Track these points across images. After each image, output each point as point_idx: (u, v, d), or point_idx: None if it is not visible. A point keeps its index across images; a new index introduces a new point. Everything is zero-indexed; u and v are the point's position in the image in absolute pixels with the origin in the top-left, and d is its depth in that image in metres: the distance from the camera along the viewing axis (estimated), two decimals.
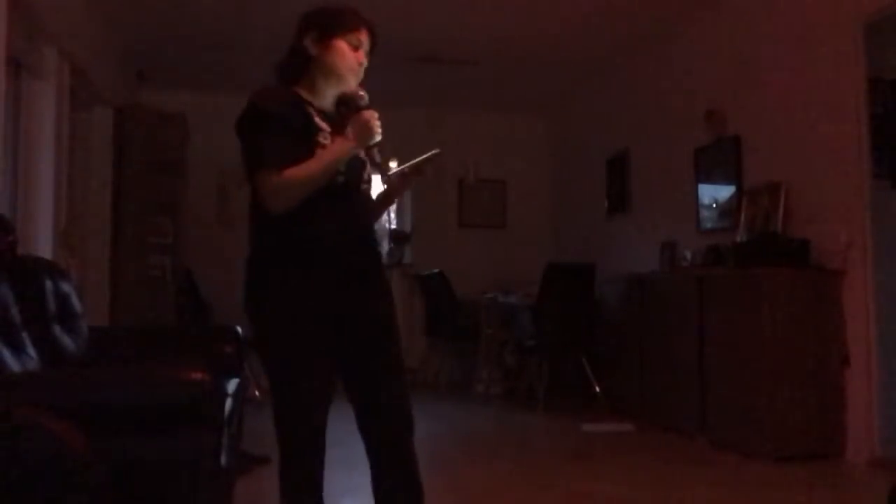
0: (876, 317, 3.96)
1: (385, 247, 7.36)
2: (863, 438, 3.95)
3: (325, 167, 1.92)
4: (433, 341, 7.27)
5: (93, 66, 4.90)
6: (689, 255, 5.24)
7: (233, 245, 7.12)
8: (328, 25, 2.05)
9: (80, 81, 4.62)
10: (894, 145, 4.08)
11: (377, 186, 2.18)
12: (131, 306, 5.32)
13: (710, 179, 5.29)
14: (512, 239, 7.89)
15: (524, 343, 6.30)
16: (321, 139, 1.95)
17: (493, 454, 4.47)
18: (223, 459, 2.23)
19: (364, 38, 2.07)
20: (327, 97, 2.07)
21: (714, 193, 5.25)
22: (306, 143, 1.93)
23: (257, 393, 6.09)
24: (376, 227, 2.23)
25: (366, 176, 2.09)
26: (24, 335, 2.47)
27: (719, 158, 5.16)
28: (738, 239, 4.69)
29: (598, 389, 5.86)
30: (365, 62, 2.08)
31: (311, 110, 2.01)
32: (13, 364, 2.27)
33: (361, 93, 2.02)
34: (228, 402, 2.55)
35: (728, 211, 5.04)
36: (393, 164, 2.06)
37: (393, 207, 6.49)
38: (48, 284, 2.83)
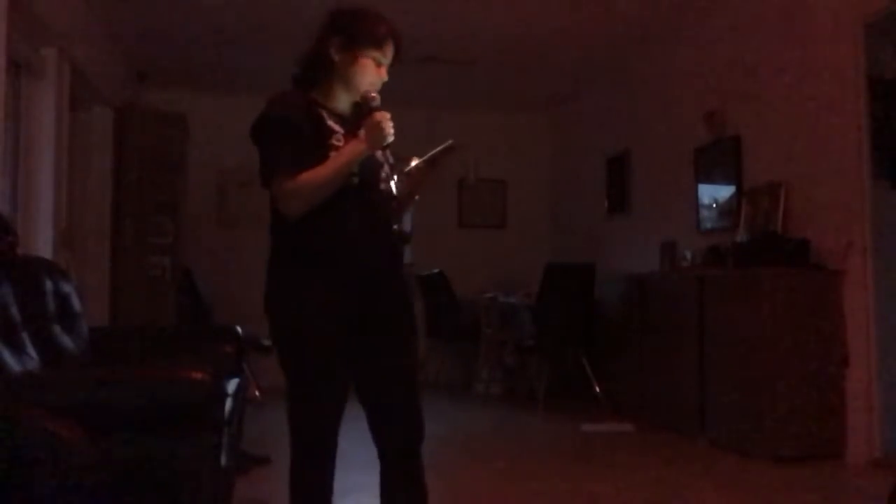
0: (876, 317, 3.96)
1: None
2: (863, 439, 3.95)
3: (338, 170, 1.93)
4: (433, 341, 7.27)
5: (93, 66, 4.90)
6: (689, 255, 5.24)
7: (233, 245, 7.17)
8: (355, 37, 2.05)
9: (80, 81, 4.62)
10: (894, 145, 4.09)
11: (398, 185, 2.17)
12: (131, 306, 5.32)
13: (710, 179, 5.29)
14: (512, 239, 7.89)
15: (524, 343, 6.30)
16: (334, 142, 1.97)
17: (493, 454, 4.47)
18: (223, 459, 2.23)
19: (389, 52, 2.08)
20: (343, 101, 2.09)
21: (714, 193, 5.25)
22: (320, 148, 1.95)
23: (257, 393, 6.10)
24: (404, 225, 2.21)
25: (383, 175, 2.08)
26: (24, 335, 2.47)
27: (719, 158, 5.16)
28: (738, 239, 4.69)
29: (598, 389, 5.86)
30: (385, 77, 2.09)
31: (325, 114, 2.02)
32: (13, 364, 2.27)
33: (373, 94, 2.03)
34: (228, 402, 2.55)
35: (728, 211, 5.04)
36: (414, 162, 2.06)
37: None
38: (48, 284, 2.83)
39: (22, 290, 2.54)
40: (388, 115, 1.98)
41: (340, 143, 1.97)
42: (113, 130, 5.31)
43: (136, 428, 1.96)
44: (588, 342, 6.04)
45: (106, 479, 1.60)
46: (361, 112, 2.03)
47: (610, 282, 5.95)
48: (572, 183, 7.68)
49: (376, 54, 2.05)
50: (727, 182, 5.06)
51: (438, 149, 2.01)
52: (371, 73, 2.06)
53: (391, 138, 1.97)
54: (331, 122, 2.01)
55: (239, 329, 3.45)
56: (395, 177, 2.12)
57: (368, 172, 2.02)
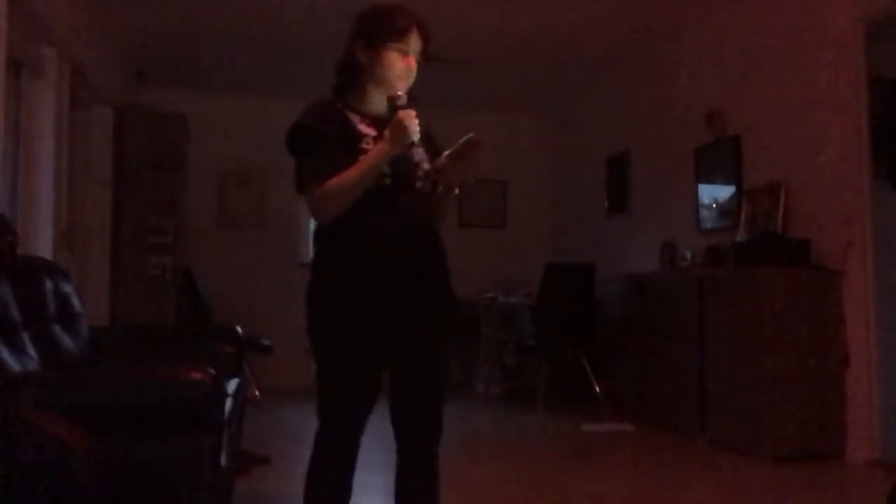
0: (876, 317, 3.96)
1: None
2: (863, 439, 3.95)
3: (364, 172, 1.95)
4: None
5: (93, 66, 4.90)
6: (689, 255, 5.24)
7: (233, 245, 7.18)
8: (375, 33, 2.07)
9: (80, 81, 4.62)
10: (894, 145, 4.09)
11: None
12: (131, 306, 5.32)
13: (710, 179, 5.29)
14: (512, 239, 7.89)
15: (524, 343, 6.30)
16: (364, 146, 1.99)
17: (493, 454, 4.47)
18: (223, 459, 2.23)
19: (413, 40, 2.08)
20: (378, 101, 2.10)
21: (714, 193, 5.25)
22: (350, 152, 1.97)
23: (257, 393, 6.10)
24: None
25: (420, 174, 2.08)
26: (24, 335, 2.47)
27: (719, 158, 5.16)
28: (738, 239, 4.69)
29: (598, 389, 5.86)
30: (414, 67, 2.09)
31: (357, 118, 2.05)
32: (13, 364, 2.27)
33: (399, 93, 2.04)
34: (228, 402, 2.54)
35: (728, 211, 5.04)
36: (442, 157, 2.06)
37: None
38: (48, 284, 2.83)
39: (22, 290, 2.54)
40: (412, 114, 1.98)
41: (370, 147, 1.99)
42: (113, 130, 5.31)
43: (136, 428, 1.96)
44: (588, 342, 6.04)
45: (106, 479, 1.60)
46: (391, 111, 2.04)
47: (610, 282, 5.95)
48: (572, 183, 7.68)
49: (399, 45, 2.06)
50: (727, 182, 5.06)
51: (459, 143, 2.00)
52: (397, 66, 2.06)
53: (415, 137, 1.97)
54: (361, 126, 2.03)
55: (239, 329, 3.45)
56: (421, 174, 2.10)
57: (402, 172, 2.02)
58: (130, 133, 5.46)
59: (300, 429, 5.41)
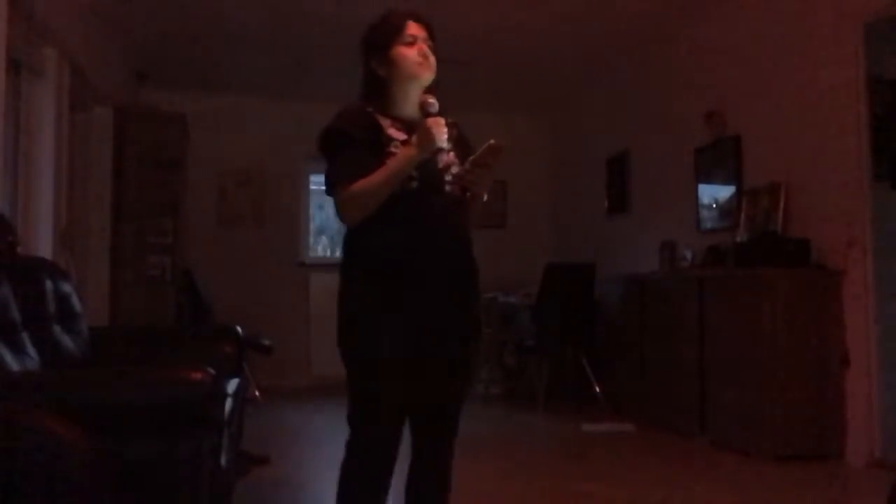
0: (876, 317, 3.96)
1: None
2: (863, 438, 3.95)
3: (390, 175, 1.96)
4: None
5: (93, 66, 4.89)
6: (689, 255, 5.24)
7: (233, 245, 7.18)
8: (380, 42, 2.10)
9: (80, 81, 4.62)
10: (894, 145, 4.08)
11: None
12: (131, 306, 5.32)
13: (710, 179, 5.29)
14: (512, 239, 7.88)
15: (524, 343, 6.30)
16: (392, 149, 2.01)
17: (493, 454, 4.47)
18: (223, 459, 2.23)
19: (415, 30, 2.10)
20: (412, 102, 2.11)
21: (714, 193, 5.25)
22: (378, 156, 1.99)
23: (257, 393, 6.10)
24: None
25: (448, 178, 2.09)
26: (24, 335, 2.47)
27: (719, 158, 5.16)
28: (738, 239, 4.69)
29: (598, 389, 5.86)
30: (427, 50, 2.10)
31: (387, 122, 2.06)
32: (13, 364, 2.27)
33: (431, 100, 2.06)
34: (228, 402, 2.55)
35: (728, 211, 5.04)
36: (465, 164, 2.07)
37: None
38: (48, 284, 2.83)
39: (22, 290, 2.54)
40: (441, 121, 2.00)
41: (398, 150, 2.01)
42: (113, 130, 5.31)
43: (135, 428, 1.96)
44: (588, 342, 6.04)
45: (106, 479, 1.60)
46: (422, 117, 2.06)
47: (610, 282, 5.95)
48: (572, 183, 7.68)
49: (403, 39, 2.08)
50: (727, 182, 5.06)
51: (481, 149, 2.01)
52: (410, 57, 2.08)
53: (442, 143, 2.00)
54: (391, 130, 2.05)
55: (239, 329, 3.45)
56: (447, 180, 2.11)
57: (429, 177, 2.03)
58: (130, 133, 5.46)
59: (300, 429, 5.41)
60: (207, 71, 6.62)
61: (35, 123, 4.09)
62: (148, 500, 1.96)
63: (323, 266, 7.15)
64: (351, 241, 2.08)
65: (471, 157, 2.04)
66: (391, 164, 1.97)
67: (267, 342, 5.76)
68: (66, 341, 2.82)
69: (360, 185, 1.95)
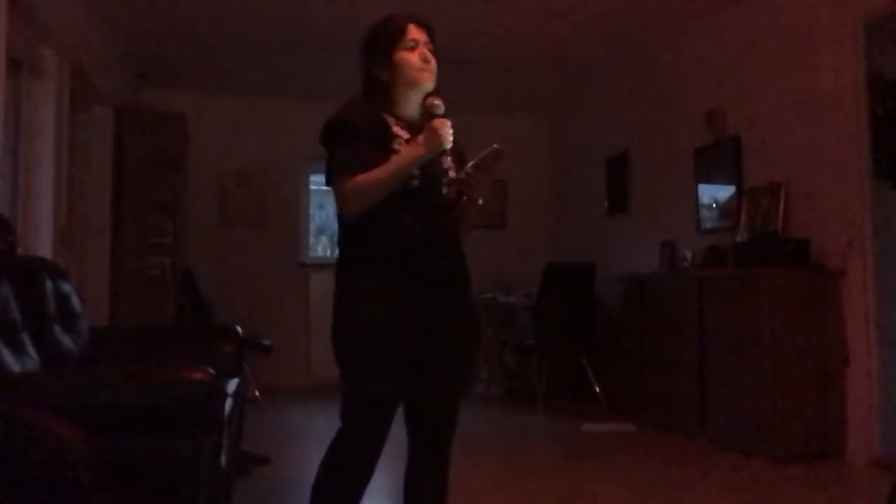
0: (876, 317, 3.96)
1: None
2: (863, 438, 3.95)
3: (394, 171, 1.98)
4: None
5: (93, 66, 4.90)
6: (689, 255, 5.24)
7: (233, 245, 7.18)
8: (381, 46, 2.11)
9: (80, 81, 4.62)
10: (894, 145, 4.08)
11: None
12: (131, 306, 5.32)
13: (710, 179, 5.29)
14: (512, 239, 7.89)
15: (524, 343, 6.30)
16: (395, 146, 2.03)
17: (494, 454, 4.47)
18: (223, 459, 2.23)
19: (416, 34, 2.11)
20: (412, 105, 2.13)
21: (714, 193, 5.25)
22: (382, 151, 2.00)
23: (257, 393, 6.10)
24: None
25: (445, 181, 2.11)
26: (24, 335, 2.47)
27: (719, 158, 5.16)
28: (738, 239, 4.69)
29: (598, 389, 5.86)
30: (428, 54, 2.11)
31: (392, 120, 2.08)
32: (13, 364, 2.27)
33: (437, 102, 2.07)
34: (228, 402, 2.55)
35: (728, 211, 5.04)
36: (467, 168, 2.08)
37: None
38: (48, 284, 2.83)
39: (22, 290, 2.54)
40: (448, 123, 2.02)
41: (401, 148, 2.03)
42: (113, 130, 5.31)
43: (136, 428, 1.96)
44: (588, 342, 6.04)
45: (106, 479, 1.60)
46: (426, 118, 2.07)
47: (610, 282, 5.95)
48: (572, 183, 7.68)
49: (405, 44, 2.09)
50: (727, 182, 5.06)
51: (484, 153, 2.03)
52: (412, 61, 2.09)
53: (448, 145, 2.01)
54: (396, 129, 2.06)
55: (239, 329, 3.45)
56: (446, 183, 2.13)
57: (430, 178, 2.05)
58: (130, 133, 5.46)
59: (300, 429, 5.41)
60: (207, 71, 6.62)
61: (35, 123, 4.09)
62: (148, 501, 1.96)
63: (323, 266, 7.15)
64: (347, 240, 2.09)
65: (473, 161, 2.05)
66: (397, 161, 1.99)
67: (267, 342, 5.76)
68: (66, 341, 2.82)
69: (365, 177, 1.96)
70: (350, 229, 2.06)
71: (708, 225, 5.29)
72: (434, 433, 2.15)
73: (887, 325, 3.96)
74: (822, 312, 4.08)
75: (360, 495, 2.05)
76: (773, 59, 4.67)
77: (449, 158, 2.11)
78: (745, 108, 4.94)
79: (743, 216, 4.76)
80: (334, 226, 7.69)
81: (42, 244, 4.08)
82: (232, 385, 2.84)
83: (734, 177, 4.98)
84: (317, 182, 7.42)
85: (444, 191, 2.09)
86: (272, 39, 5.78)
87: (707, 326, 4.53)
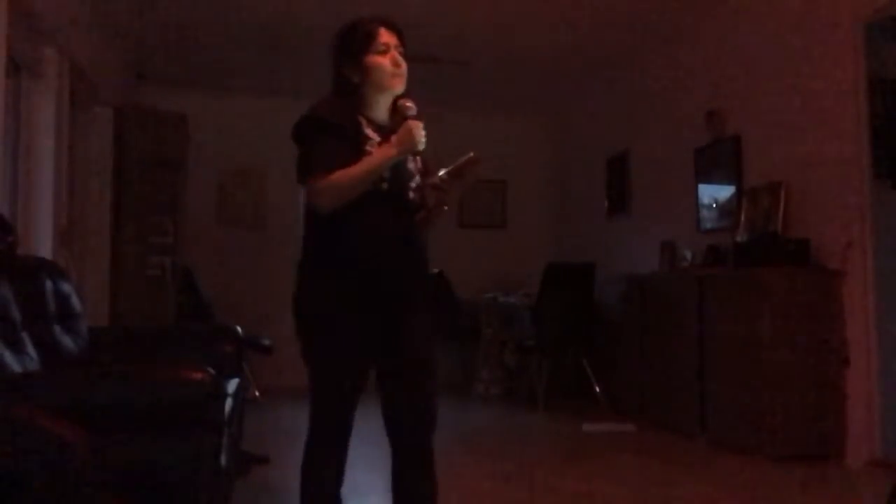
0: (876, 317, 3.96)
1: None
2: (863, 439, 3.95)
3: (367, 170, 2.00)
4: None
5: (93, 66, 4.90)
6: (689, 255, 5.24)
7: (233, 245, 7.17)
8: (352, 49, 2.13)
9: (80, 81, 4.62)
10: (894, 145, 4.08)
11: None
12: (131, 306, 5.31)
13: (710, 179, 5.29)
14: (512, 239, 7.89)
15: (524, 343, 6.30)
16: (368, 147, 2.05)
17: (493, 454, 4.47)
18: (223, 459, 2.23)
19: (387, 37, 2.13)
20: (382, 108, 2.16)
21: (714, 193, 5.25)
22: (355, 151, 2.03)
23: (257, 393, 6.10)
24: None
25: (413, 185, 2.14)
26: (24, 335, 2.47)
27: (719, 158, 5.16)
28: (738, 239, 4.69)
29: (598, 389, 5.86)
30: (399, 58, 2.13)
31: (364, 120, 2.10)
32: (13, 364, 2.27)
33: (409, 104, 2.10)
34: (228, 402, 2.55)
35: (728, 211, 5.04)
36: (441, 173, 2.09)
37: None
38: (48, 284, 2.83)
39: (22, 290, 2.54)
40: (420, 125, 2.04)
41: (373, 150, 2.05)
42: (113, 130, 5.31)
43: (136, 428, 1.96)
44: (588, 342, 6.04)
45: (106, 479, 1.60)
46: (398, 120, 2.09)
47: (610, 282, 5.95)
48: (572, 183, 7.68)
49: (375, 48, 2.12)
50: (727, 182, 5.06)
51: (461, 161, 2.04)
52: (384, 65, 2.11)
53: (421, 146, 2.04)
54: (368, 130, 2.09)
55: (239, 329, 3.45)
56: (418, 186, 2.16)
57: (398, 180, 2.08)
58: (130, 133, 5.45)
59: (300, 429, 5.40)
60: (207, 71, 6.62)
61: (35, 123, 4.09)
62: (148, 500, 1.96)
63: None
64: (313, 236, 2.12)
65: (448, 168, 2.07)
66: (370, 160, 2.01)
67: (267, 342, 5.76)
68: (66, 341, 2.82)
69: (340, 176, 1.98)
70: (318, 224, 2.08)
71: (708, 225, 5.29)
72: (412, 425, 2.15)
73: (887, 325, 3.96)
74: (822, 313, 4.07)
75: (339, 483, 2.13)
76: (774, 59, 4.67)
77: (417, 161, 2.15)
78: (745, 108, 4.94)
79: (743, 216, 4.76)
80: None
81: (42, 244, 4.08)
82: (232, 385, 2.84)
83: (734, 177, 4.98)
84: None
85: (411, 195, 2.12)
86: (272, 39, 5.78)
87: (707, 326, 4.52)
